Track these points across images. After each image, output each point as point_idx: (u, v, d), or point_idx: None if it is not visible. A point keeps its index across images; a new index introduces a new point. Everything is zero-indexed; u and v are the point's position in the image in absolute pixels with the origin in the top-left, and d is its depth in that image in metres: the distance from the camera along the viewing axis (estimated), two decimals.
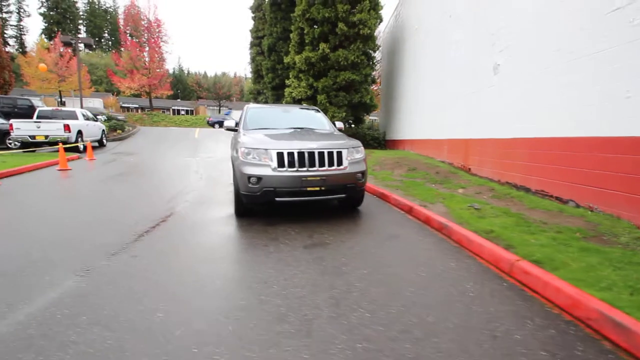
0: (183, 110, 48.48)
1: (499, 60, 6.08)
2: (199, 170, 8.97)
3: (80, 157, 10.64)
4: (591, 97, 4.08)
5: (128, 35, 31.87)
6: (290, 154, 3.98)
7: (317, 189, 4.05)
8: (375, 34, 13.20)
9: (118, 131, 17.56)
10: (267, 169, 3.96)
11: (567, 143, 4.44)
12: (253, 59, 20.28)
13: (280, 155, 3.97)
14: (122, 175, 7.99)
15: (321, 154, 4.06)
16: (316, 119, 5.67)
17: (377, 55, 15.17)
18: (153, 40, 32.50)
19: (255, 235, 3.70)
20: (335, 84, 12.99)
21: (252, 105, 5.81)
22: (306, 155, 4.01)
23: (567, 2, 4.38)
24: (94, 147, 12.07)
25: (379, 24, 13.22)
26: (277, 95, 16.81)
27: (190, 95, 53.62)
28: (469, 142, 7.27)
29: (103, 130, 14.44)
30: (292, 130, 5.07)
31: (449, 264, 2.95)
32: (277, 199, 4.01)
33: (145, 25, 32.26)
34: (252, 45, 20.13)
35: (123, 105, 36.26)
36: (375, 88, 19.61)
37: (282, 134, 4.73)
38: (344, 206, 4.97)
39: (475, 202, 4.83)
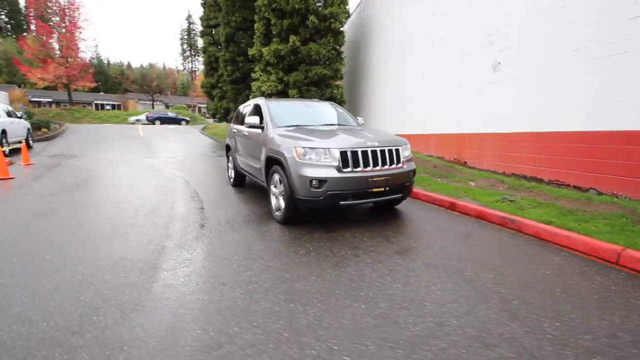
0: (108, 104, 42.74)
1: (499, 58, 6.43)
2: (174, 172, 7.96)
3: (13, 162, 8.66)
4: (610, 96, 4.50)
5: (36, 18, 27.15)
6: (354, 153, 3.66)
7: (382, 189, 3.81)
8: (343, 28, 13.12)
9: (43, 129, 14.81)
10: (331, 170, 3.58)
11: (584, 136, 4.86)
12: (205, 50, 18.62)
13: (344, 155, 3.63)
14: (85, 183, 6.70)
15: (383, 152, 3.82)
16: (341, 114, 5.37)
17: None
18: (68, 24, 28.14)
19: (331, 245, 3.32)
20: (307, 78, 12.64)
21: (267, 100, 5.25)
22: (369, 153, 3.73)
23: (586, 9, 4.75)
24: (19, 150, 9.81)
25: (347, 18, 13.15)
26: (237, 89, 15.73)
27: (115, 88, 47.67)
28: (462, 136, 7.61)
29: (29, 129, 12.02)
30: (329, 126, 4.72)
31: (554, 259, 2.98)
32: (341, 202, 3.66)
33: (57, 8, 27.75)
34: (203, 34, 18.43)
35: (33, 99, 30.58)
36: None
37: (323, 131, 4.35)
38: (381, 206, 4.78)
39: (505, 195, 5.03)
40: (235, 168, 6.18)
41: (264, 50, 12.98)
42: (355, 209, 4.73)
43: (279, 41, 12.85)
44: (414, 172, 4.22)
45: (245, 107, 6.13)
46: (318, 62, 12.81)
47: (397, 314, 2.10)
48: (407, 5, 10.08)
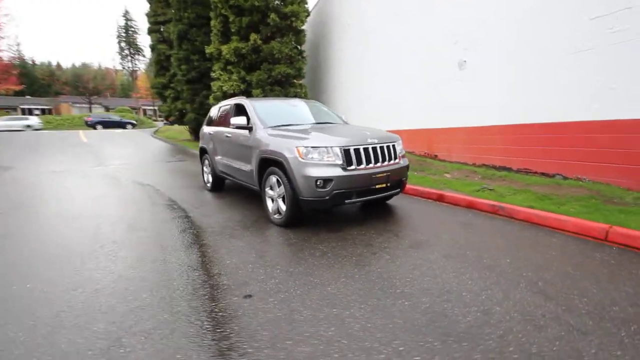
0: (37, 109, 38.01)
1: (464, 57, 6.83)
2: (137, 180, 7.33)
3: None
4: (571, 91, 5.00)
5: None
6: (357, 150, 3.65)
7: (384, 185, 3.84)
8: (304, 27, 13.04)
9: None
10: (336, 168, 3.53)
11: (549, 127, 5.34)
12: (153, 48, 17.28)
13: (347, 152, 3.60)
14: (35, 197, 5.90)
15: (382, 149, 3.87)
16: (325, 112, 5.32)
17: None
18: None
19: (343, 244, 3.27)
20: (270, 77, 12.38)
21: (251, 100, 5.03)
22: (370, 150, 3.74)
23: (551, 12, 5.22)
24: None
25: (307, 17, 13.10)
26: (194, 89, 14.87)
27: (43, 91, 42.64)
28: (432, 131, 7.97)
29: None
30: (319, 125, 4.66)
31: (552, 240, 3.22)
32: (346, 201, 3.63)
33: None
34: (151, 31, 17.08)
35: None
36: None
37: (316, 129, 4.27)
38: (372, 202, 4.82)
39: (484, 184, 5.36)
40: (214, 172, 5.84)
41: (223, 48, 12.47)
42: (347, 206, 4.72)
43: (239, 39, 12.43)
44: (407, 167, 4.32)
45: (222, 108, 5.82)
46: (279, 61, 12.61)
47: (443, 307, 2.12)
48: (368, 5, 10.27)
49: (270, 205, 4.08)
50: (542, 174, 5.51)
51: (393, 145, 4.03)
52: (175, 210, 4.80)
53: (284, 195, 3.79)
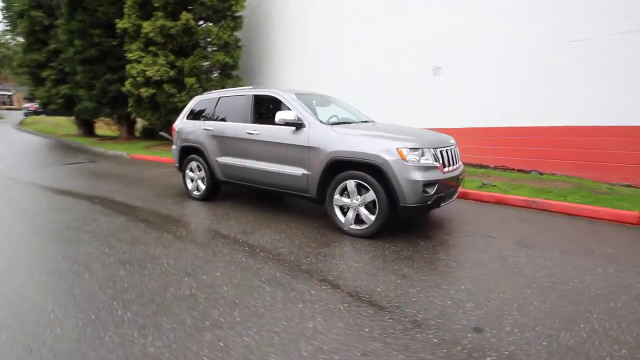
0: None
1: (439, 64, 7.38)
2: (61, 189, 5.48)
3: None
4: (551, 98, 5.97)
5: None
6: (445, 152, 3.51)
7: (460, 186, 3.81)
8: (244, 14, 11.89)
9: None
10: (436, 171, 3.32)
11: (522, 130, 6.26)
12: (22, 14, 12.71)
13: (441, 154, 3.42)
14: None
15: (455, 151, 3.82)
16: (353, 109, 4.95)
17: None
18: None
19: (458, 251, 3.13)
20: (203, 66, 10.85)
21: (281, 90, 4.27)
22: (452, 151, 3.66)
23: (528, 33, 6.06)
24: None
25: (244, 2, 11.97)
26: (94, 71, 11.72)
27: None
28: None
29: None
30: (371, 123, 4.32)
31: (602, 227, 3.78)
32: (442, 204, 3.46)
33: None
34: None
35: None
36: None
37: (384, 128, 3.96)
38: None
39: (480, 181, 5.89)
40: (212, 177, 4.78)
41: (145, 25, 10.36)
42: None
43: (164, 16, 10.47)
44: None
45: (224, 100, 4.81)
46: (206, 47, 11.20)
47: (620, 300, 2.22)
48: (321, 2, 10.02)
49: (340, 215, 3.57)
50: (520, 170, 6.43)
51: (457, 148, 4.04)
52: (193, 230, 3.73)
53: (368, 203, 3.36)
